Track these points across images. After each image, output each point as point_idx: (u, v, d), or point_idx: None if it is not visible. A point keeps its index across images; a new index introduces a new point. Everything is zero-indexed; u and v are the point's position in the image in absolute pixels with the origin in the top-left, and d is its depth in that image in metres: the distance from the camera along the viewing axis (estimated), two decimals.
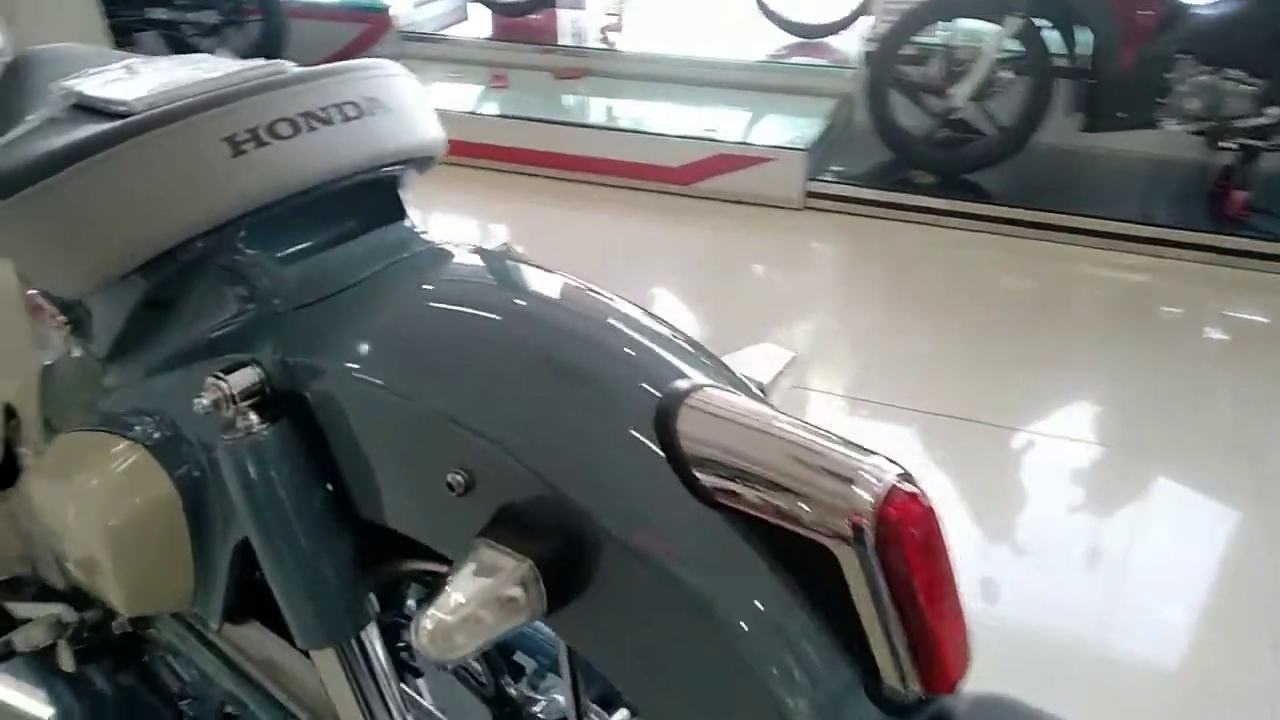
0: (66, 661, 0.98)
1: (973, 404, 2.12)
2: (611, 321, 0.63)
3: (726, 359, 0.67)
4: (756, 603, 0.52)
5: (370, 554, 0.69)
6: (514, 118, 3.33)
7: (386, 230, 0.74)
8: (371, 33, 4.04)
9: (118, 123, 0.66)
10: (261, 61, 0.77)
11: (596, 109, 3.51)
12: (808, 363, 2.31)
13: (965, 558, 1.72)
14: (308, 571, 0.66)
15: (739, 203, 3.08)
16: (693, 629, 0.52)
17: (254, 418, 0.63)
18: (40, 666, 1.14)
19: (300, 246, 0.71)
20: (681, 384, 0.57)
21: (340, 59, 3.05)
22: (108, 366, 0.81)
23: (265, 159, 0.66)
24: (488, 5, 4.16)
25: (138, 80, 0.74)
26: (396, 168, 0.75)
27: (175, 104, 0.66)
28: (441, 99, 3.54)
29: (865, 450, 0.52)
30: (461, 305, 0.65)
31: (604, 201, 3.13)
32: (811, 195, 3.07)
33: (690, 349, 0.63)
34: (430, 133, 0.78)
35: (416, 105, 0.77)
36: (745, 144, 3.10)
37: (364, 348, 0.63)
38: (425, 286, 0.68)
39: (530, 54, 3.85)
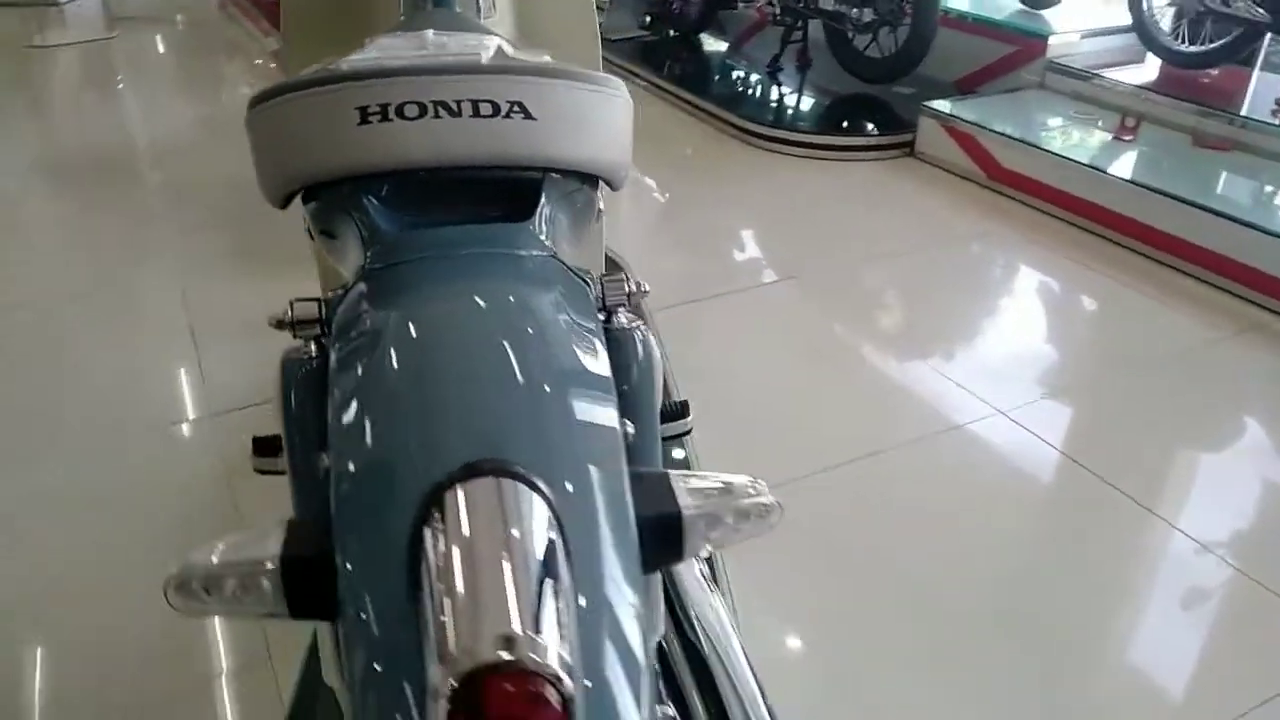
0: None
1: None
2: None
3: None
4: None
5: None
6: (1134, 183, 2.95)
7: (495, 226, 0.74)
8: (1018, 56, 3.87)
9: (310, 73, 0.75)
10: (485, 39, 0.82)
11: (1240, 193, 2.97)
12: None
13: None
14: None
15: None
16: None
17: (301, 343, 0.70)
18: None
19: (409, 216, 0.75)
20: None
21: (979, 77, 3.14)
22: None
23: (384, 132, 0.71)
24: (1159, 54, 3.72)
25: (385, 47, 0.83)
26: (532, 172, 0.75)
27: (342, 70, 0.74)
28: (1050, 136, 3.30)
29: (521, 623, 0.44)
30: (441, 324, 0.64)
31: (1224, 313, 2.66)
32: None
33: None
34: (586, 152, 0.77)
35: (580, 121, 0.76)
36: None
37: (366, 323, 0.65)
38: (458, 287, 0.67)
39: (1172, 110, 3.37)
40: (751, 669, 1.03)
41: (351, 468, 0.57)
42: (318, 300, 0.71)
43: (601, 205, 0.93)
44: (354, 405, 0.60)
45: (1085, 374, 2.36)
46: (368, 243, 0.73)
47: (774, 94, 4.29)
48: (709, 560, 1.04)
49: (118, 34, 5.72)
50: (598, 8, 1.68)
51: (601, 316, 0.74)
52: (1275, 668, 1.53)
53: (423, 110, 0.71)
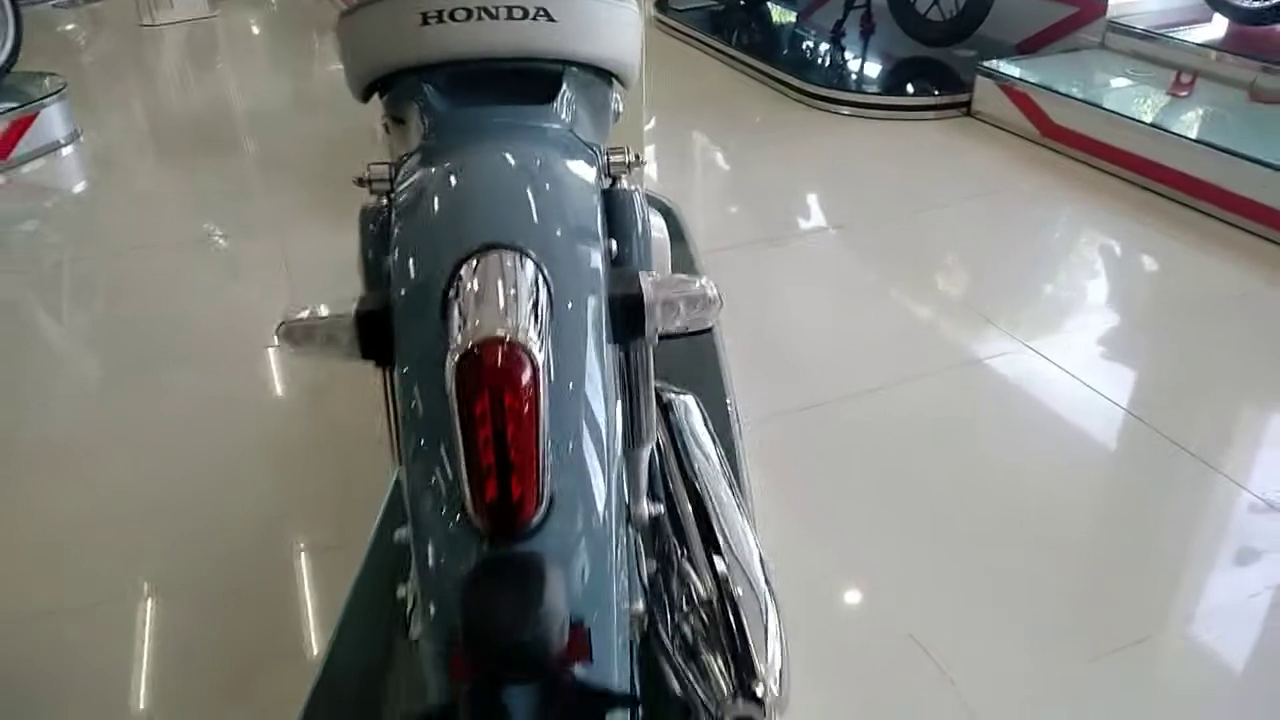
0: None
1: None
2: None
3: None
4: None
5: None
6: (1182, 137, 2.99)
7: (524, 107, 0.94)
8: (1079, 17, 3.91)
9: None
10: None
11: None
12: None
13: None
14: None
15: None
16: None
17: (375, 198, 0.89)
18: None
19: (458, 100, 0.95)
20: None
21: (1041, 39, 3.30)
22: None
23: (439, 31, 0.92)
24: (1224, 12, 3.72)
25: None
26: (554, 66, 0.95)
27: None
28: (1103, 93, 3.36)
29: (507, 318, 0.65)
30: (475, 167, 0.84)
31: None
32: None
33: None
34: (597, 50, 0.96)
35: (593, 26, 0.96)
36: None
37: (420, 171, 0.85)
38: (495, 148, 0.87)
39: (1232, 67, 3.39)
40: (754, 534, 1.12)
41: (406, 254, 0.78)
42: (388, 164, 0.91)
43: (620, 107, 1.13)
44: (408, 219, 0.80)
45: (1123, 316, 2.46)
46: (425, 121, 0.94)
47: (836, 58, 4.40)
48: (732, 464, 1.20)
49: (218, 14, 6.10)
50: None
51: (607, 182, 0.94)
52: None
53: (469, 14, 0.92)
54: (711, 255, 2.66)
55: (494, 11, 0.92)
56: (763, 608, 0.90)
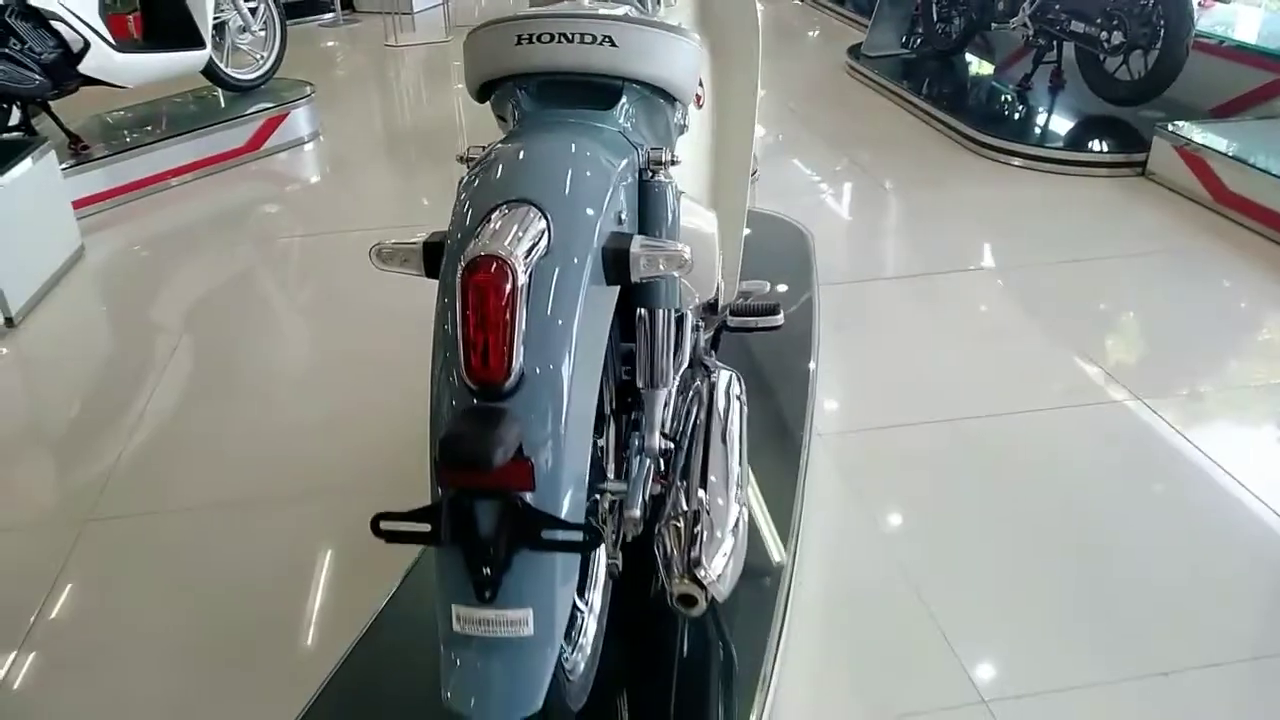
0: None
1: None
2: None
3: None
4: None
5: None
6: None
7: (589, 112, 1.21)
8: (1276, 85, 3.80)
9: (497, 17, 1.23)
10: (615, 8, 1.27)
11: None
12: None
13: None
14: None
15: None
16: None
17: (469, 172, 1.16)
18: None
19: (542, 104, 1.22)
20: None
21: (1236, 105, 3.46)
22: None
23: (529, 49, 1.19)
24: None
25: (554, 7, 1.28)
26: (614, 81, 1.20)
27: (513, 14, 1.21)
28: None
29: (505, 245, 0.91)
30: (533, 151, 1.11)
31: None
32: None
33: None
34: (648, 70, 1.22)
35: (649, 52, 1.21)
36: None
37: (495, 151, 1.12)
38: (548, 137, 1.14)
39: None
40: (736, 483, 1.36)
41: (462, 203, 1.05)
42: (482, 146, 1.19)
43: (683, 119, 1.39)
44: (471, 180, 1.08)
45: (1250, 381, 2.44)
46: (515, 116, 1.24)
47: (1018, 111, 4.44)
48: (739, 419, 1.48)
49: (450, 39, 6.78)
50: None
51: (646, 176, 1.20)
52: None
53: (552, 37, 1.19)
54: (854, 285, 2.84)
55: (570, 37, 1.19)
56: (724, 531, 1.21)
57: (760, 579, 1.59)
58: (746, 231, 2.03)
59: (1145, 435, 2.17)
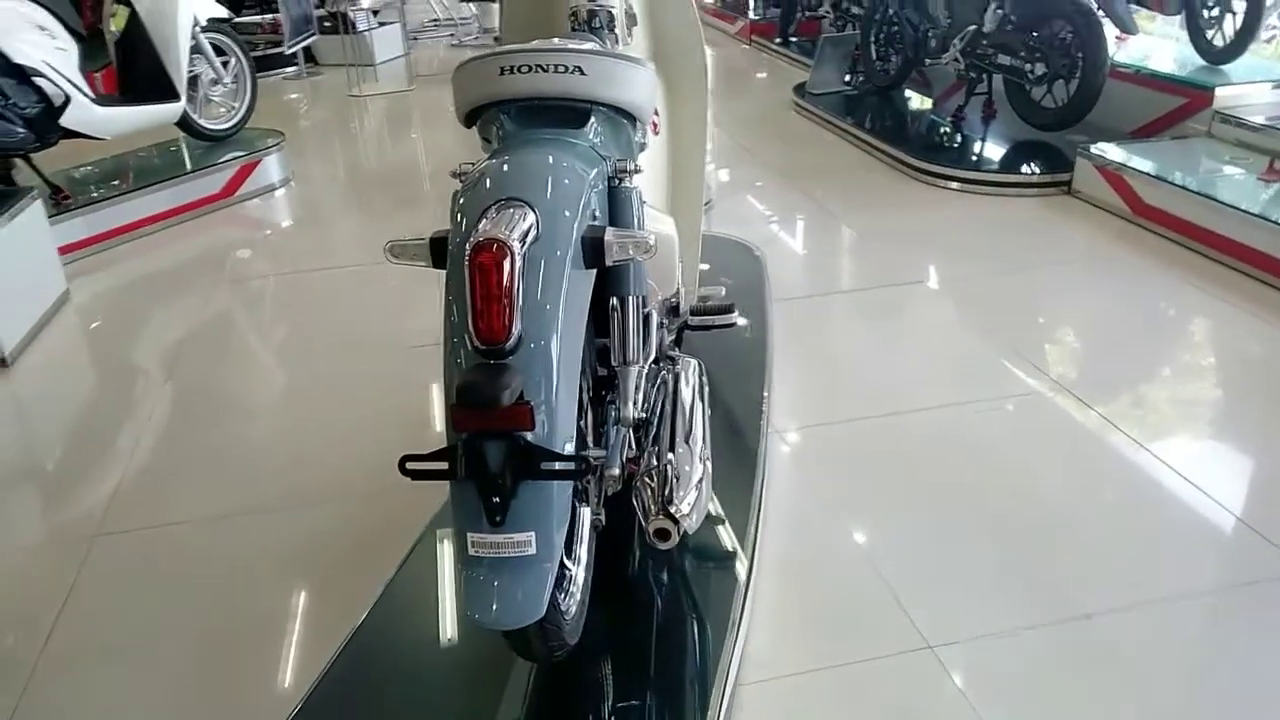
0: None
1: None
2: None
3: None
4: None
5: None
6: (1257, 215, 3.18)
7: (564, 130, 1.40)
8: (1187, 108, 4.12)
9: (480, 52, 1.42)
10: (585, 43, 1.47)
11: None
12: None
13: None
14: None
15: None
16: None
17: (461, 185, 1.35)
18: None
19: (522, 125, 1.41)
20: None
21: (1152, 127, 3.81)
22: None
23: (511, 79, 1.38)
24: None
25: (532, 44, 1.46)
26: (584, 104, 1.40)
27: (496, 49, 1.40)
28: (1193, 177, 3.56)
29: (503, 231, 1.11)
30: (515, 163, 1.30)
31: None
32: None
33: None
34: (613, 94, 1.41)
35: (613, 79, 1.41)
36: None
37: (483, 166, 1.31)
38: (530, 150, 1.34)
39: None
40: (700, 442, 1.59)
41: (460, 204, 1.25)
42: (473, 163, 1.38)
43: (643, 138, 1.59)
44: (467, 187, 1.27)
45: (1164, 369, 2.68)
46: (499, 137, 1.43)
47: (953, 140, 4.73)
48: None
49: (414, 88, 7.01)
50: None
51: (614, 182, 1.41)
52: None
53: (530, 68, 1.39)
54: (803, 300, 3.06)
55: (546, 67, 1.39)
56: (691, 481, 1.43)
57: (725, 546, 1.78)
58: (703, 265, 2.27)
59: (1066, 419, 2.40)
